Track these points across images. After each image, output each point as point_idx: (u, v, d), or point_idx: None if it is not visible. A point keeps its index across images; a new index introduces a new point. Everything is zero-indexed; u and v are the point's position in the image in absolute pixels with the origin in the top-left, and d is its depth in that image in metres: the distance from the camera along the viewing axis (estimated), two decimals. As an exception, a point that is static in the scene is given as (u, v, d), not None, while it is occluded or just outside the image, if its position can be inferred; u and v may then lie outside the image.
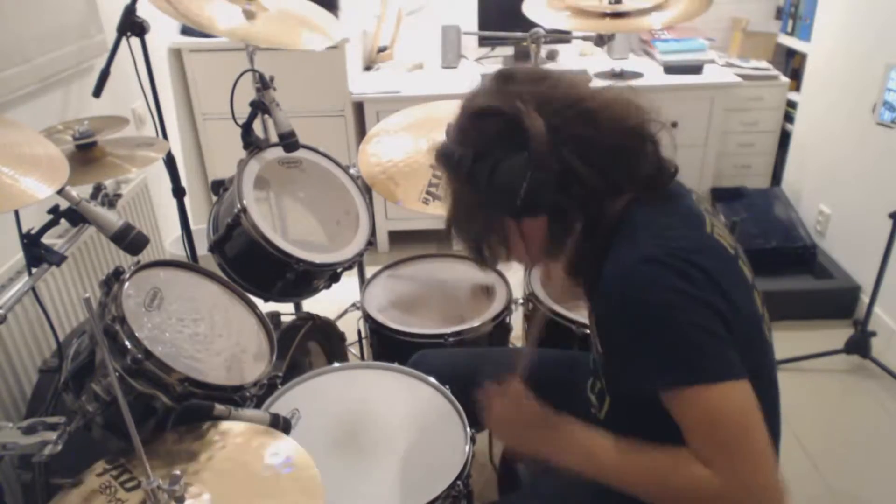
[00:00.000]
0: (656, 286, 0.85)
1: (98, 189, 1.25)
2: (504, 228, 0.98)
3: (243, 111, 1.64)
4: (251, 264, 1.57)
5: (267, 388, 1.26)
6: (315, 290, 1.74)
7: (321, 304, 1.94)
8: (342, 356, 1.89)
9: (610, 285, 0.89)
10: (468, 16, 3.10)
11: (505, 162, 0.90)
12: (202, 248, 1.70)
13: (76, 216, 1.09)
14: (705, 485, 0.83)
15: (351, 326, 2.05)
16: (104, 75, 1.58)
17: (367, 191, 1.77)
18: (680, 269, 0.85)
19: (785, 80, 3.05)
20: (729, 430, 0.83)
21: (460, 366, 1.39)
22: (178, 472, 0.92)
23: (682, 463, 0.85)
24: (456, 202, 1.00)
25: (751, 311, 0.93)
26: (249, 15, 1.59)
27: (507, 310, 1.70)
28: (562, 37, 2.46)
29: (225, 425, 1.06)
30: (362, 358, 2.07)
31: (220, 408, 1.08)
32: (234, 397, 1.15)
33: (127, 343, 1.03)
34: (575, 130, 0.90)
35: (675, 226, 0.92)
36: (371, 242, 1.71)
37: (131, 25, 1.59)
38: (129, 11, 1.58)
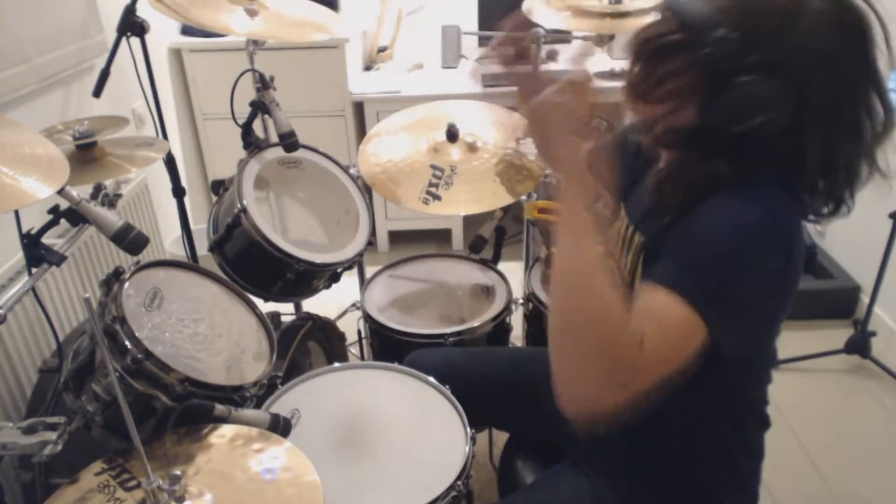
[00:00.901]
0: (767, 240, 0.83)
1: (98, 189, 1.25)
2: (687, 90, 0.87)
3: (243, 111, 1.64)
4: (251, 264, 1.57)
5: (267, 388, 1.26)
6: (315, 290, 1.74)
7: (321, 304, 1.94)
8: (342, 356, 1.89)
9: (733, 208, 0.85)
10: (468, 16, 3.10)
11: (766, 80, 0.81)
12: (202, 248, 1.70)
13: (76, 216, 1.09)
14: (629, 338, 0.79)
15: (351, 326, 2.05)
16: (104, 75, 1.58)
17: (367, 191, 1.77)
18: (787, 243, 0.84)
19: (785, 80, 3.04)
20: (672, 338, 0.81)
21: (456, 364, 1.39)
22: (178, 472, 0.92)
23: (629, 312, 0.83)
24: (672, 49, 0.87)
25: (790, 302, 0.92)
26: (251, 13, 1.59)
27: (507, 310, 1.70)
28: (562, 37, 2.46)
29: (224, 426, 1.07)
30: (362, 358, 2.07)
31: (220, 408, 1.08)
32: (234, 397, 1.15)
33: (127, 343, 1.03)
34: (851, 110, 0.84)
35: (790, 201, 0.90)
36: (371, 242, 1.71)
37: (131, 25, 1.59)
38: (129, 11, 1.58)
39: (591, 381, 0.80)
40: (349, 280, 1.84)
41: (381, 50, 3.15)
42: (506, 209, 1.73)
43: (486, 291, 1.79)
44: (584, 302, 0.81)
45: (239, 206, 1.49)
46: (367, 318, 1.71)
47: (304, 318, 1.76)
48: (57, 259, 1.07)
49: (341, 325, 1.94)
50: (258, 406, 1.27)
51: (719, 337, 0.82)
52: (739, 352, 0.86)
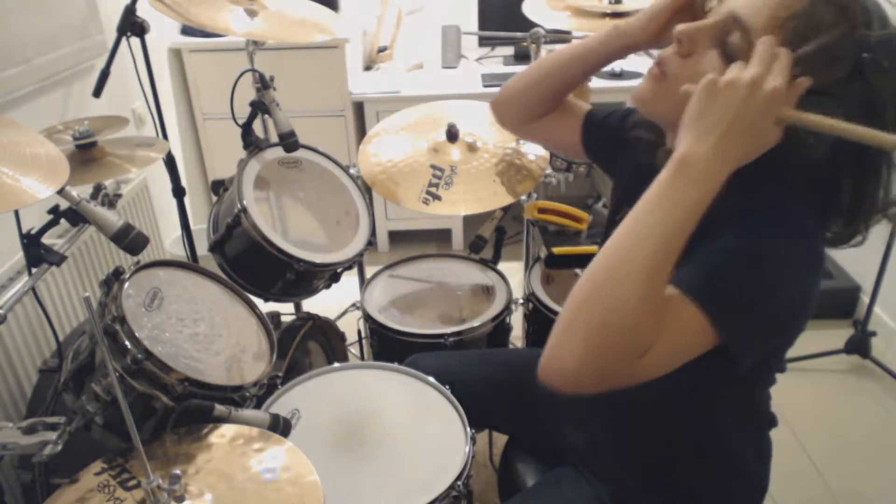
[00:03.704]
0: (798, 259, 0.80)
1: (98, 189, 1.25)
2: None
3: (243, 111, 1.64)
4: (251, 264, 1.57)
5: (267, 388, 1.26)
6: (315, 290, 1.74)
7: (321, 304, 1.94)
8: (342, 356, 1.89)
9: (763, 223, 0.80)
10: (468, 16, 3.10)
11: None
12: (202, 248, 1.70)
13: (76, 216, 1.09)
14: (639, 347, 0.76)
15: (351, 326, 2.05)
16: (104, 75, 1.58)
17: (367, 191, 1.77)
18: (817, 263, 0.83)
19: (785, 80, 3.04)
20: (681, 352, 0.79)
21: (453, 369, 1.39)
22: (178, 472, 0.92)
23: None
24: None
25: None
26: (251, 13, 1.59)
27: (506, 310, 1.70)
28: (562, 37, 2.46)
29: (224, 426, 1.07)
30: (362, 358, 2.07)
31: (220, 408, 1.08)
32: (234, 397, 1.15)
33: (127, 343, 1.03)
34: None
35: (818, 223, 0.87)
36: (371, 242, 1.71)
37: (131, 25, 1.58)
38: (129, 11, 1.58)
39: (580, 360, 0.75)
40: (349, 280, 1.84)
41: (381, 50, 3.15)
42: (506, 209, 1.73)
43: (486, 291, 1.79)
44: (628, 287, 0.74)
45: (239, 206, 1.49)
46: (367, 318, 1.71)
47: (304, 318, 1.76)
48: (57, 259, 1.07)
49: (341, 325, 1.94)
50: (258, 406, 1.27)
51: (737, 351, 0.80)
52: (755, 363, 0.84)
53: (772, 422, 1.06)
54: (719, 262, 0.79)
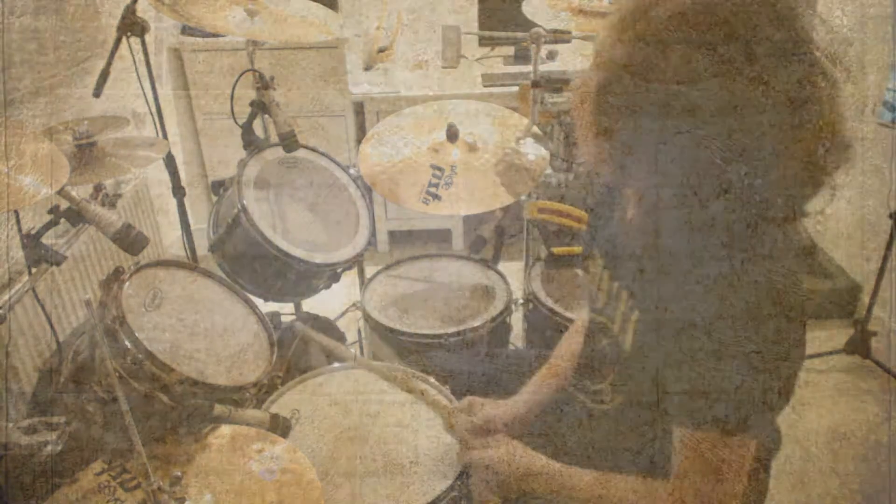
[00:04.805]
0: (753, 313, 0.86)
1: (98, 189, 1.25)
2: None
3: (243, 111, 1.64)
4: (251, 264, 1.57)
5: (267, 388, 1.26)
6: (315, 290, 1.74)
7: (321, 304, 1.94)
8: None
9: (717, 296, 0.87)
10: (468, 16, 3.10)
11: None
12: (202, 248, 1.70)
13: (76, 216, 1.09)
14: None
15: (351, 326, 2.05)
16: (104, 75, 1.58)
17: (367, 191, 1.77)
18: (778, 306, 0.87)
19: (785, 80, 3.03)
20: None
21: (453, 369, 1.38)
22: (178, 474, 0.92)
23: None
24: None
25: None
26: (251, 13, 1.59)
27: (507, 310, 1.70)
28: (562, 37, 2.46)
29: (224, 426, 1.07)
30: (362, 358, 2.07)
31: (220, 408, 1.08)
32: (234, 397, 1.15)
33: (127, 343, 1.03)
34: None
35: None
36: (371, 242, 1.71)
37: (131, 25, 1.59)
38: (129, 11, 1.58)
39: None
40: (349, 280, 1.84)
41: (381, 50, 3.15)
42: (506, 209, 1.73)
43: (486, 291, 1.79)
44: None
45: (239, 205, 1.49)
46: (367, 318, 1.71)
47: (304, 319, 1.76)
48: (57, 259, 1.07)
49: (341, 325, 1.94)
50: (258, 406, 1.27)
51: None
52: None
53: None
54: (705, 380, 0.86)
